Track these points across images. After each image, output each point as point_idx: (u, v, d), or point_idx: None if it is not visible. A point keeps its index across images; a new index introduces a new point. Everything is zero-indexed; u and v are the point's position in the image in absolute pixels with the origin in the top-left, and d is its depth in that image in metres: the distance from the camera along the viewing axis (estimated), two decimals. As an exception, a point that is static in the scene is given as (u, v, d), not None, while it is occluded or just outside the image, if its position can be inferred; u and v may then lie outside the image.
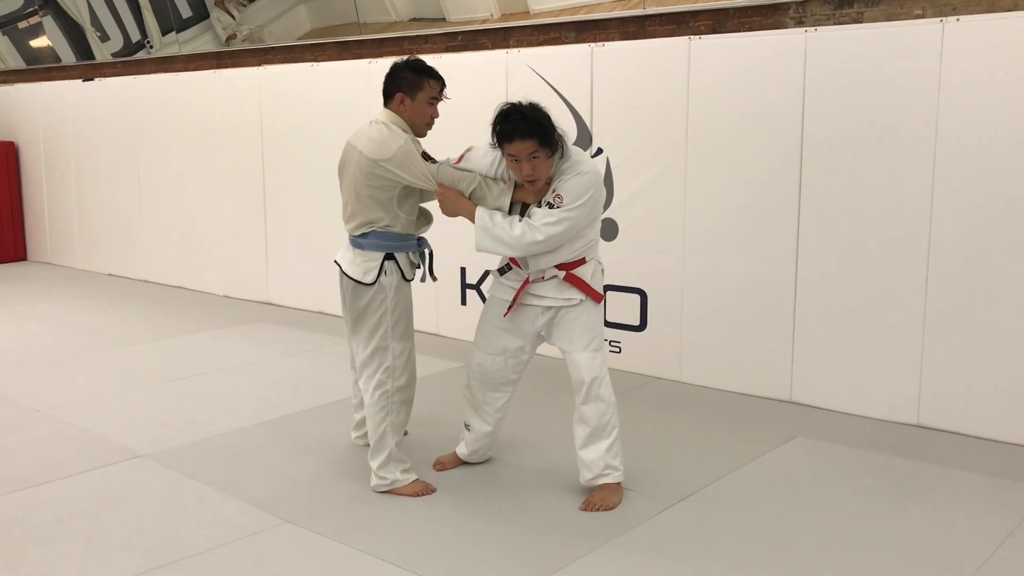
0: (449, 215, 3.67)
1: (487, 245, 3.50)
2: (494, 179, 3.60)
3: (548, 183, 3.52)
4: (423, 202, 3.84)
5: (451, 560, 3.23)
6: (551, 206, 3.44)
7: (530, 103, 3.48)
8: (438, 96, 3.73)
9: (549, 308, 3.68)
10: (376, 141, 3.59)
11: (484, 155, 3.61)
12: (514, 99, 3.53)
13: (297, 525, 3.50)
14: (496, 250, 3.51)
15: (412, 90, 3.67)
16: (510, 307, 3.72)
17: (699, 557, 3.24)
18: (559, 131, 3.49)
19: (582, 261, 3.61)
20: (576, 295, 3.63)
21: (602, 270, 3.76)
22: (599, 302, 3.68)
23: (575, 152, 3.56)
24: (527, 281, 3.66)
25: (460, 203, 3.59)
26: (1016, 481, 3.90)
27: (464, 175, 3.60)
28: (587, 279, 3.63)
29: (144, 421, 4.70)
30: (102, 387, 5.32)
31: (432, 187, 3.61)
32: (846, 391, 4.78)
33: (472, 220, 3.55)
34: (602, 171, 5.41)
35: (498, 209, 3.56)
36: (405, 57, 3.78)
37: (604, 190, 3.68)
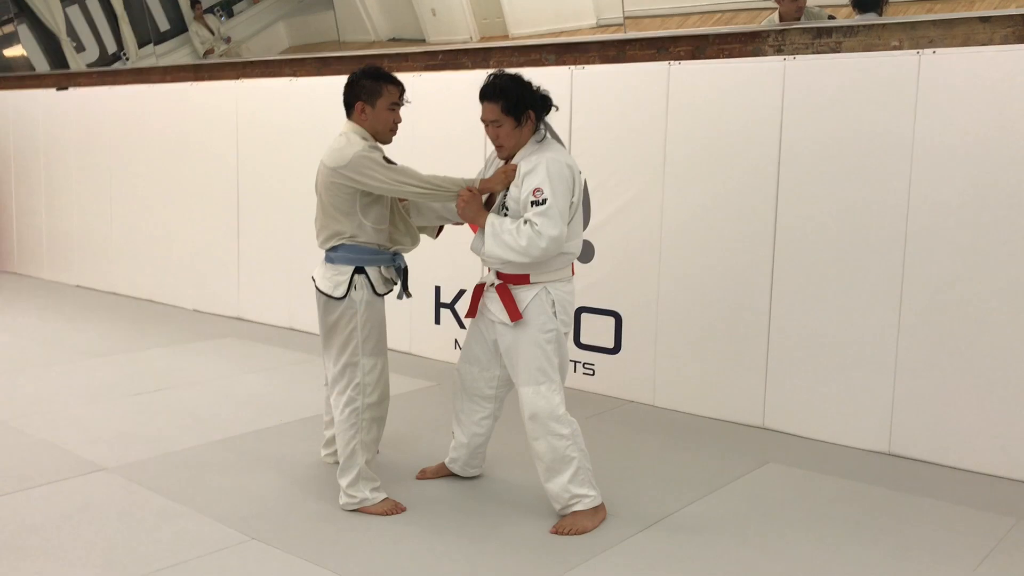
0: (466, 220, 3.65)
1: (496, 252, 3.45)
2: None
3: (514, 168, 3.51)
4: (405, 210, 3.82)
5: (420, 581, 3.18)
6: (535, 204, 3.40)
7: (517, 75, 3.50)
8: (399, 101, 3.73)
9: (493, 322, 3.67)
10: (335, 150, 3.63)
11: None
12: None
13: (263, 542, 3.43)
14: (505, 256, 3.43)
15: (371, 97, 3.67)
16: (470, 310, 3.75)
17: (671, 581, 3.21)
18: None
19: (525, 279, 3.54)
20: (507, 317, 3.56)
21: (555, 300, 3.56)
22: (513, 321, 3.53)
23: (552, 143, 3.56)
24: (483, 284, 3.69)
25: (481, 213, 3.55)
26: (986, 511, 3.91)
27: (423, 174, 3.63)
28: (522, 298, 3.53)
29: (109, 434, 4.61)
30: (67, 399, 5.22)
31: (392, 189, 3.58)
32: (819, 418, 4.78)
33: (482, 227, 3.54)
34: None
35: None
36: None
37: (578, 179, 3.56)
